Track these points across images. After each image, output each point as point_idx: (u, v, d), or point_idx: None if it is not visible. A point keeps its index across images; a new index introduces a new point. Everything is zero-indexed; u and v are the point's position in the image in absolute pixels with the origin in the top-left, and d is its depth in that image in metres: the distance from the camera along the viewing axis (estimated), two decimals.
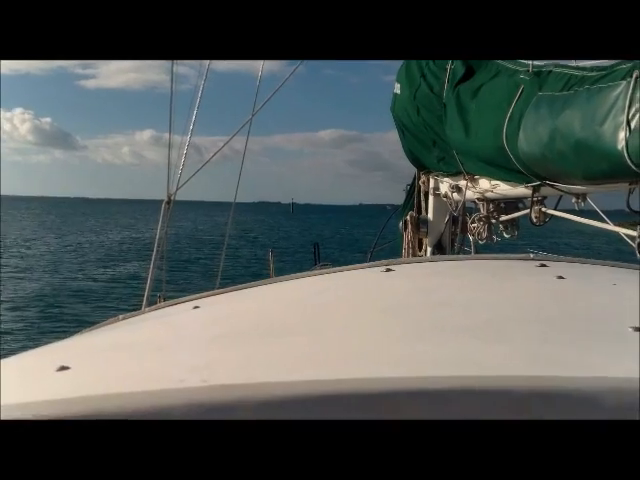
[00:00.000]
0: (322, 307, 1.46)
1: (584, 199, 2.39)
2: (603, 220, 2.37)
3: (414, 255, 3.73)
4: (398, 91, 3.54)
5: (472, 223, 3.23)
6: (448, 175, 3.38)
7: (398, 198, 4.30)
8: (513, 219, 3.16)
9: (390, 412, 0.78)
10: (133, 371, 0.94)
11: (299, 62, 3.90)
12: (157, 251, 3.41)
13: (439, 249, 3.75)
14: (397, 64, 3.61)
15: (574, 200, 2.40)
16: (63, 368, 0.93)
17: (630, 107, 1.81)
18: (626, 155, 1.82)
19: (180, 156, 3.58)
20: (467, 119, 2.82)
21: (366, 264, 2.06)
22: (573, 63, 2.23)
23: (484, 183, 3.06)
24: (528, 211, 2.72)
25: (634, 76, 1.82)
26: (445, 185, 3.50)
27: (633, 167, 1.83)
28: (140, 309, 2.24)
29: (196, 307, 1.64)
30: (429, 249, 3.79)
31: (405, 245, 3.81)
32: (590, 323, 1.22)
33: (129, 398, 0.79)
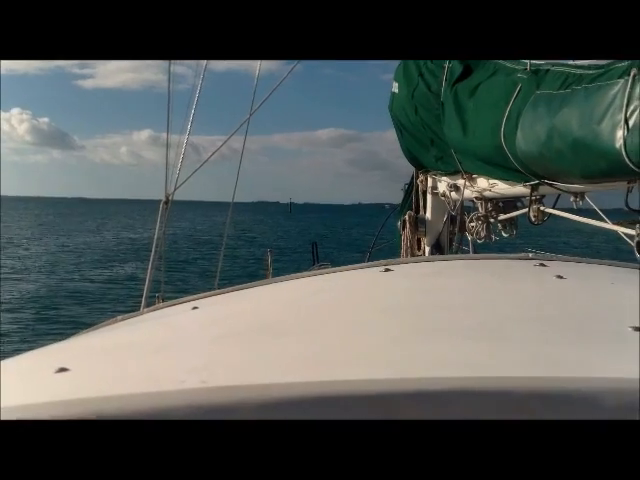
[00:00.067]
0: (321, 307, 1.45)
1: (582, 198, 2.39)
2: (601, 219, 2.37)
3: (412, 254, 3.73)
4: (396, 90, 3.54)
5: (470, 222, 3.23)
6: (446, 174, 3.38)
7: (397, 197, 4.30)
8: (511, 218, 3.15)
9: (389, 413, 0.78)
10: (132, 372, 0.94)
11: (296, 62, 3.89)
12: (155, 251, 3.40)
13: (437, 248, 3.75)
14: (395, 63, 3.61)
15: (572, 199, 2.40)
16: (62, 370, 0.92)
17: (628, 105, 1.81)
18: (624, 153, 1.82)
19: (178, 156, 3.57)
20: (465, 118, 2.82)
21: (365, 264, 2.06)
22: (571, 62, 2.23)
23: (482, 182, 3.06)
24: (526, 210, 2.72)
25: (632, 74, 1.82)
26: (443, 184, 3.50)
27: (631, 165, 1.82)
28: (138, 310, 2.24)
29: (195, 308, 1.64)
30: (427, 248, 3.79)
31: (403, 244, 3.81)
32: (589, 323, 1.22)
33: (129, 400, 0.78)
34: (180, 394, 0.80)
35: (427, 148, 3.40)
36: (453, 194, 3.39)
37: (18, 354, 1.23)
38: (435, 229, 3.76)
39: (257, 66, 3.94)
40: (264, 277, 4.30)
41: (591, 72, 2.05)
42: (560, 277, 1.57)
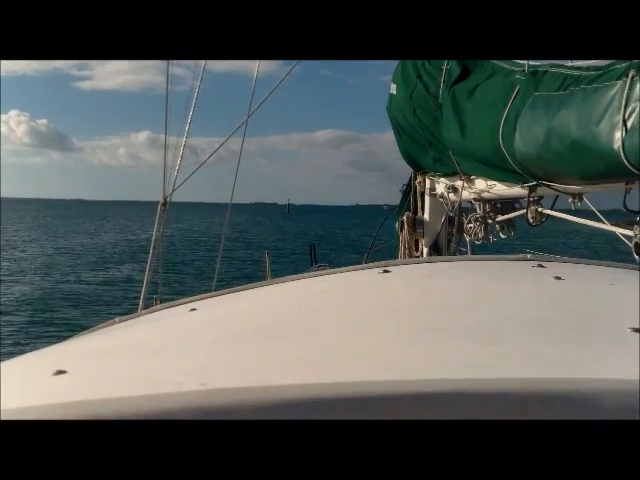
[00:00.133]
0: (319, 309, 1.45)
1: (580, 199, 2.39)
2: (600, 220, 2.37)
3: (410, 256, 3.73)
4: (394, 91, 3.54)
5: (468, 223, 3.23)
6: (444, 175, 3.38)
7: (395, 198, 4.30)
8: (509, 219, 3.16)
9: (388, 415, 0.78)
10: (130, 375, 0.93)
11: (295, 62, 3.89)
12: (153, 253, 3.40)
13: (435, 250, 3.75)
14: (394, 64, 3.61)
15: (570, 200, 2.40)
16: (60, 372, 0.92)
17: (626, 107, 1.81)
18: (622, 155, 1.82)
19: (176, 157, 3.57)
20: (463, 119, 2.82)
21: (363, 265, 2.06)
22: (569, 63, 2.23)
23: (480, 183, 3.06)
24: (524, 211, 2.72)
25: (630, 76, 1.82)
26: (441, 185, 3.50)
27: (629, 167, 1.83)
28: (136, 312, 2.23)
29: (193, 309, 1.63)
30: (425, 250, 3.79)
31: (401, 246, 3.81)
32: (588, 324, 1.22)
33: (127, 402, 0.78)
34: (178, 396, 0.79)
35: (425, 149, 3.40)
36: (451, 195, 3.39)
37: (13, 357, 1.22)
38: (433, 230, 3.77)
39: (255, 67, 3.94)
40: (262, 278, 4.30)
41: (589, 73, 2.05)
42: (558, 278, 1.57)
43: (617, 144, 1.83)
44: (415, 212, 3.86)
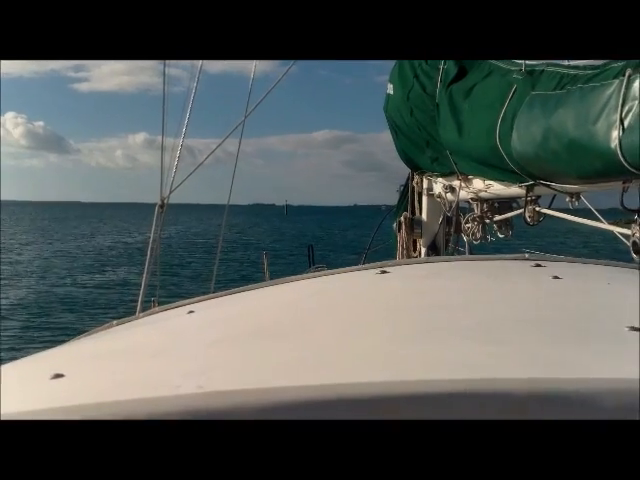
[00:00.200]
0: (317, 310, 1.45)
1: (578, 198, 2.39)
2: (597, 219, 2.37)
3: (408, 256, 3.73)
4: (391, 92, 3.54)
5: (466, 223, 3.24)
6: (442, 175, 3.38)
7: (392, 199, 4.30)
8: (507, 219, 3.16)
9: (387, 415, 0.77)
10: (128, 378, 0.93)
11: (292, 62, 3.89)
12: (151, 255, 3.39)
13: (433, 249, 3.75)
14: (390, 64, 3.61)
15: (568, 199, 2.40)
16: (57, 376, 0.92)
17: (623, 105, 1.81)
18: (619, 154, 1.82)
19: (173, 159, 3.55)
20: (460, 119, 2.82)
21: (361, 266, 2.05)
22: (566, 62, 2.23)
23: (478, 183, 3.06)
24: (522, 211, 2.73)
25: (627, 74, 1.82)
26: (439, 185, 3.50)
27: (627, 166, 1.82)
28: (134, 314, 2.22)
29: (191, 312, 1.63)
30: (423, 250, 3.79)
31: (399, 246, 3.81)
32: (587, 323, 1.22)
33: (125, 405, 0.78)
34: (176, 399, 0.79)
35: (422, 149, 3.40)
36: (449, 195, 3.39)
37: (10, 361, 1.22)
38: (431, 230, 3.77)
39: (252, 67, 3.93)
40: (260, 280, 4.29)
41: (586, 72, 2.05)
42: (556, 277, 1.57)
43: (614, 143, 1.83)
44: (413, 212, 3.86)
